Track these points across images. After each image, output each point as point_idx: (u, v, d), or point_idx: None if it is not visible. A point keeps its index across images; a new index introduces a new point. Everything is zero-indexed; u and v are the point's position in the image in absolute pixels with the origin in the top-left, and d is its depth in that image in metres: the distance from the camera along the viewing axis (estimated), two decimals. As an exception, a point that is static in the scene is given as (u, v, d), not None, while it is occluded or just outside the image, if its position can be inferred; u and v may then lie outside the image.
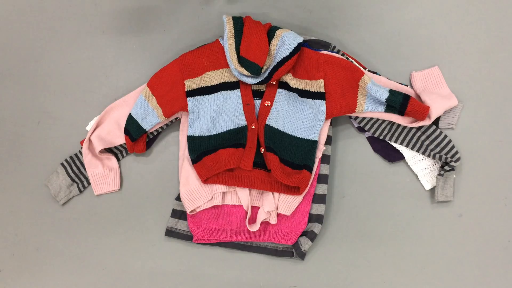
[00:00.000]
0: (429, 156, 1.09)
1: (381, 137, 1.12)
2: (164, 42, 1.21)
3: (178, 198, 1.14)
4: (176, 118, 1.17)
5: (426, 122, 1.07)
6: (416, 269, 1.09)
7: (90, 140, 1.16)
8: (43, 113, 1.23)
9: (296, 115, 1.10)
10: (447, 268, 1.08)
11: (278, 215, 1.10)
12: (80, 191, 1.18)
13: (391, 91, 1.07)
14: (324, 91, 1.09)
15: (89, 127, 1.20)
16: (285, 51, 1.06)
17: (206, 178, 1.09)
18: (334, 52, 1.12)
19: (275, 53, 1.07)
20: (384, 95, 1.07)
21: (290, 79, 1.09)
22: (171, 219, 1.14)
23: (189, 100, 1.12)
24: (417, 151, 1.10)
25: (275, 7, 1.19)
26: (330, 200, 1.12)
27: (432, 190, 1.11)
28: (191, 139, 1.12)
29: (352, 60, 1.12)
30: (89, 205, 1.18)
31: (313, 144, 1.08)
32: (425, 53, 1.16)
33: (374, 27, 1.17)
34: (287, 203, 1.08)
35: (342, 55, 1.14)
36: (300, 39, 1.07)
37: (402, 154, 1.12)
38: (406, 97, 1.07)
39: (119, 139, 1.16)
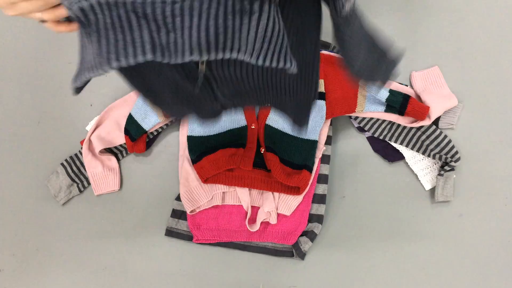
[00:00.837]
0: (429, 156, 1.09)
1: (381, 137, 1.12)
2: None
3: (178, 198, 1.14)
4: (176, 118, 1.17)
5: (426, 122, 1.07)
6: (416, 269, 1.09)
7: (90, 140, 1.16)
8: (43, 113, 1.23)
9: None
10: (447, 268, 1.08)
11: (278, 215, 1.09)
12: (80, 191, 1.18)
13: (391, 91, 1.07)
14: (324, 91, 1.09)
15: (89, 127, 1.20)
16: None
17: (206, 178, 1.09)
18: (334, 52, 1.13)
19: None
20: (384, 95, 1.07)
21: (290, 79, 1.09)
22: (171, 219, 1.14)
23: (189, 100, 1.12)
24: (417, 151, 1.10)
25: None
26: (330, 200, 1.12)
27: (432, 190, 1.11)
28: (191, 139, 1.12)
29: (352, 60, 1.12)
30: (89, 205, 1.18)
31: (313, 144, 1.08)
32: (425, 53, 1.16)
33: (374, 27, 1.17)
34: (287, 203, 1.08)
35: (342, 55, 1.14)
36: None
37: (402, 154, 1.12)
38: (406, 97, 1.07)
39: (119, 139, 1.16)
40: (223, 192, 1.12)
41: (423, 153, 1.10)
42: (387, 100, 1.07)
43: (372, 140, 1.14)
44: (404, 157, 1.12)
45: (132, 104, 1.17)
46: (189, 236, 1.13)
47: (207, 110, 0.87)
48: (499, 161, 1.11)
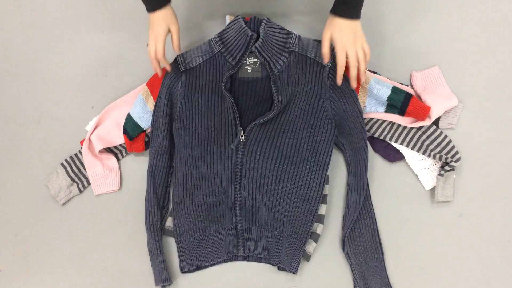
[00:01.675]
0: (429, 156, 1.09)
1: (381, 137, 1.12)
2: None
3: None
4: None
5: (427, 122, 1.07)
6: (416, 269, 1.09)
7: (90, 140, 1.16)
8: (43, 113, 1.23)
9: None
10: (447, 268, 1.08)
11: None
12: (80, 191, 1.18)
13: (393, 88, 1.07)
14: None
15: (89, 127, 1.20)
16: None
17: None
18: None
19: None
20: (386, 93, 1.07)
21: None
22: (170, 218, 1.14)
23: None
24: (417, 151, 1.10)
25: (276, 7, 1.19)
26: (330, 200, 1.12)
27: (432, 190, 1.11)
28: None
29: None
30: (89, 205, 1.18)
31: None
32: (425, 53, 1.16)
33: (374, 27, 1.17)
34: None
35: (342, 55, 1.14)
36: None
37: (402, 154, 1.12)
38: (408, 95, 1.07)
39: (119, 138, 1.16)
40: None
41: (423, 153, 1.10)
42: (388, 98, 1.07)
43: (372, 140, 1.14)
44: (404, 157, 1.12)
45: (132, 103, 1.17)
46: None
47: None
48: (499, 161, 1.11)
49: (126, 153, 1.20)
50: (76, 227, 1.17)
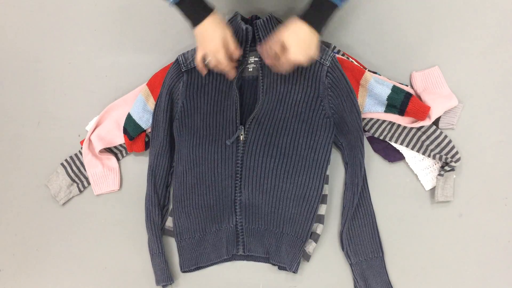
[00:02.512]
0: (429, 156, 1.09)
1: (381, 137, 1.12)
2: (164, 42, 1.21)
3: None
4: None
5: (426, 122, 1.07)
6: (416, 268, 1.09)
7: (90, 140, 1.16)
8: (43, 113, 1.23)
9: None
10: (447, 268, 1.08)
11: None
12: (80, 191, 1.18)
13: (394, 88, 1.07)
14: None
15: (89, 127, 1.20)
16: None
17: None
18: (335, 52, 1.12)
19: None
20: (386, 93, 1.07)
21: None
22: (169, 218, 1.14)
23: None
24: (417, 151, 1.10)
25: (276, 7, 1.19)
26: (330, 200, 1.12)
27: (432, 190, 1.11)
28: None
29: (353, 60, 1.12)
30: (89, 205, 1.18)
31: None
32: (425, 53, 1.16)
33: (374, 27, 1.17)
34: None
35: (343, 55, 1.14)
36: None
37: (402, 154, 1.12)
38: (408, 95, 1.07)
39: (119, 138, 1.16)
40: None
41: (423, 153, 1.10)
42: (388, 98, 1.07)
43: (372, 140, 1.14)
44: (404, 157, 1.12)
45: (132, 103, 1.17)
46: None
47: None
48: (499, 161, 1.11)
49: (126, 153, 1.20)
50: (76, 227, 1.17)
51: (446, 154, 1.08)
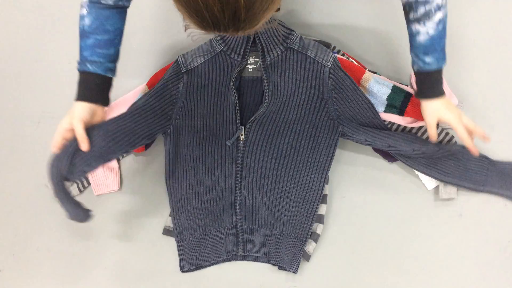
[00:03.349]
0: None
1: (381, 137, 1.12)
2: (164, 42, 1.21)
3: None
4: None
5: (426, 122, 1.07)
6: (416, 269, 1.09)
7: (90, 140, 1.16)
8: (43, 113, 1.23)
9: None
10: (447, 268, 1.08)
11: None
12: (80, 191, 1.18)
13: (394, 88, 1.07)
14: None
15: (89, 127, 1.20)
16: None
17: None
18: (335, 52, 1.12)
19: None
20: (386, 92, 1.07)
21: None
22: (169, 218, 1.14)
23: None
24: (417, 151, 1.10)
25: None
26: (330, 200, 1.12)
27: (434, 190, 1.11)
28: None
29: (353, 60, 1.12)
30: (89, 205, 1.18)
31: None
32: (425, 53, 1.16)
33: (374, 27, 1.17)
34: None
35: (343, 55, 1.14)
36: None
37: (402, 154, 1.12)
38: (408, 95, 1.07)
39: (119, 139, 1.16)
40: None
41: (424, 153, 1.10)
42: (388, 98, 1.07)
43: (372, 140, 1.14)
44: (404, 157, 1.12)
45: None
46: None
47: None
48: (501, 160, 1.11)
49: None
50: (76, 227, 1.17)
51: (447, 153, 1.08)
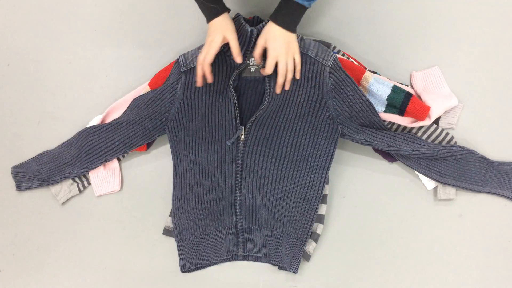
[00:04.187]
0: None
1: (381, 137, 1.12)
2: (164, 42, 1.21)
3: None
4: None
5: (426, 122, 1.07)
6: (416, 269, 1.09)
7: (90, 140, 1.16)
8: (43, 113, 1.23)
9: None
10: (447, 268, 1.08)
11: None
12: (80, 191, 1.18)
13: (394, 88, 1.07)
14: None
15: (89, 127, 1.20)
16: None
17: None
18: (335, 52, 1.13)
19: None
20: (386, 92, 1.07)
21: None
22: (169, 219, 1.14)
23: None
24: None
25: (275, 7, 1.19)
26: (330, 200, 1.12)
27: (433, 190, 1.11)
28: None
29: (353, 60, 1.12)
30: (89, 205, 1.18)
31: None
32: (425, 53, 1.16)
33: (374, 27, 1.17)
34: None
35: (343, 55, 1.14)
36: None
37: (402, 154, 1.12)
38: (408, 95, 1.07)
39: (119, 139, 1.16)
40: None
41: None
42: (388, 98, 1.07)
43: (372, 140, 1.14)
44: (404, 157, 1.12)
45: (132, 104, 1.17)
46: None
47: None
48: (499, 161, 1.11)
49: (127, 153, 1.20)
50: (76, 227, 1.17)
51: (447, 153, 1.08)
